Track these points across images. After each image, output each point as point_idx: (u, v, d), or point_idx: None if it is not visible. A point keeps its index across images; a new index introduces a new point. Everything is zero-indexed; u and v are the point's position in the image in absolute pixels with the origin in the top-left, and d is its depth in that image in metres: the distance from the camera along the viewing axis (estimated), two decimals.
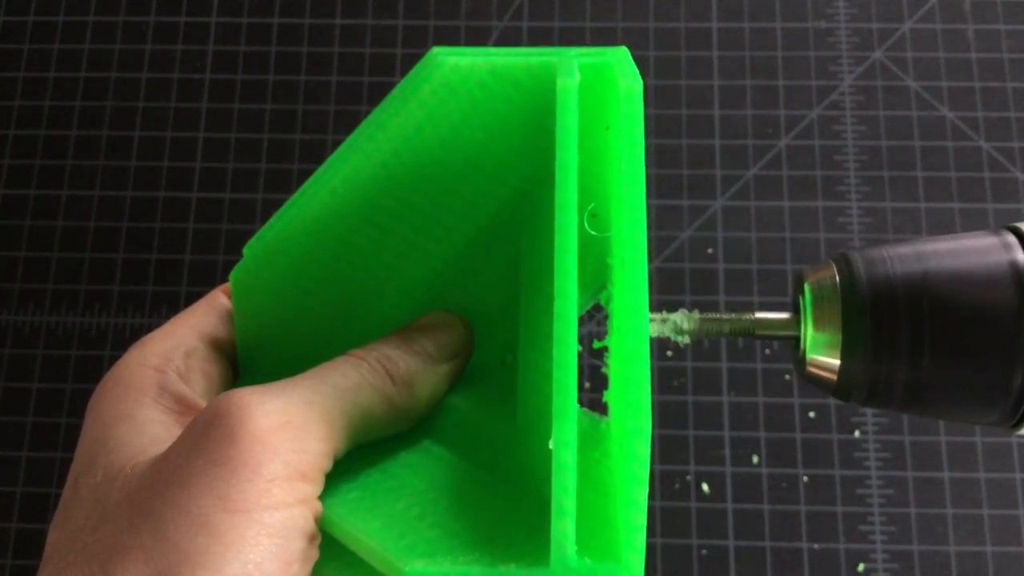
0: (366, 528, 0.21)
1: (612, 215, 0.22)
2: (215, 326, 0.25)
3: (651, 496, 0.41)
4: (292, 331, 0.25)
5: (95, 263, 0.45)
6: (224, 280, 0.25)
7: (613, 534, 0.19)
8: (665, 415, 0.42)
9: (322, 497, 0.21)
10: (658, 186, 0.45)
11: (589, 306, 0.25)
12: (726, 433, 0.42)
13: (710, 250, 0.44)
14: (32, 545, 0.42)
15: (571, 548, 0.18)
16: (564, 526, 0.18)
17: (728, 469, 0.41)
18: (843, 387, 0.23)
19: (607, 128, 0.22)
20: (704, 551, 0.40)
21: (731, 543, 0.40)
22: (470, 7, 0.48)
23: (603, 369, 0.23)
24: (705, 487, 0.41)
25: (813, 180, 0.45)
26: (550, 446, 0.18)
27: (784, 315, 0.25)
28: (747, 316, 0.26)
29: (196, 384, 0.23)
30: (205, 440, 0.19)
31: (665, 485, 0.41)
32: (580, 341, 0.43)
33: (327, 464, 0.21)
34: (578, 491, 0.18)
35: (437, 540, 0.21)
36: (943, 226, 0.44)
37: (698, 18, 0.47)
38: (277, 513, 0.19)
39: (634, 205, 0.20)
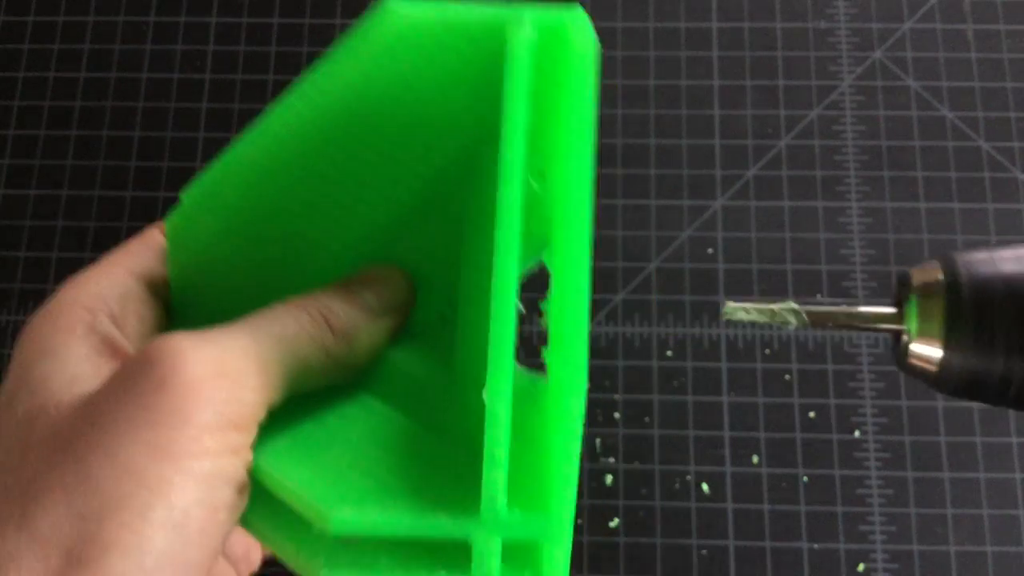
0: (296, 477, 0.20)
1: (558, 176, 0.22)
2: (151, 267, 0.24)
3: (651, 496, 0.41)
4: (228, 278, 0.25)
5: (95, 263, 0.45)
6: None
7: (544, 488, 0.19)
8: (665, 415, 0.42)
9: (254, 446, 0.21)
10: (658, 186, 0.45)
11: (532, 266, 0.25)
12: (726, 433, 0.42)
13: (710, 250, 0.44)
14: None
15: (502, 499, 0.18)
16: (495, 477, 0.18)
17: (728, 469, 0.41)
18: (942, 379, 0.25)
19: (559, 86, 0.22)
20: (704, 551, 0.40)
21: (731, 543, 0.40)
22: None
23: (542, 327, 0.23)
24: (705, 487, 0.41)
25: (813, 180, 0.45)
26: (484, 397, 0.18)
27: (888, 309, 0.26)
28: (852, 309, 0.27)
29: (129, 327, 0.23)
30: (136, 385, 0.19)
31: (665, 485, 0.41)
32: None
33: (261, 414, 0.20)
34: (512, 445, 0.18)
35: (368, 490, 0.21)
36: (943, 226, 0.44)
37: (698, 18, 0.47)
38: (206, 461, 0.19)
39: (578, 161, 0.20)
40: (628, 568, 0.40)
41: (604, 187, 0.45)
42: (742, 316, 0.27)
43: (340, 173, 0.24)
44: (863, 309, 0.27)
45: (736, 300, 0.27)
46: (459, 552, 0.19)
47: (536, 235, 0.23)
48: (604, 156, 0.45)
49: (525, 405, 0.21)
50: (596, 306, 0.44)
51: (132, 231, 0.45)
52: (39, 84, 0.48)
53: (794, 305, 0.26)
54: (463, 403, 0.24)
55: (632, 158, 0.45)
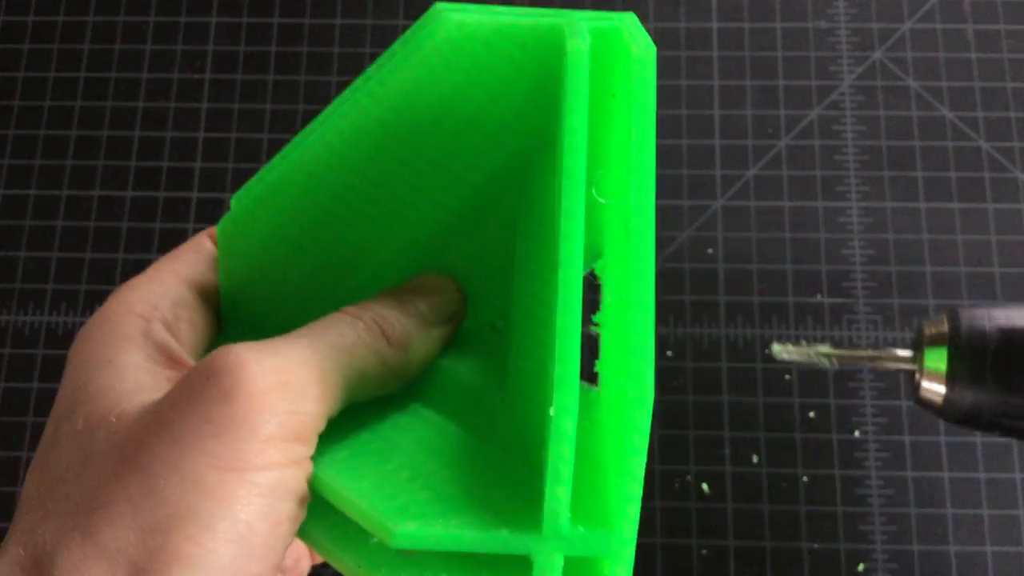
0: (357, 489, 0.20)
1: (617, 183, 0.22)
2: (202, 273, 0.24)
3: (651, 496, 0.41)
4: (279, 286, 0.25)
5: (95, 263, 0.45)
6: None
7: (605, 503, 0.19)
8: (665, 415, 0.42)
9: (313, 457, 0.21)
10: (658, 186, 0.45)
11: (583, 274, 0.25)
12: (726, 433, 0.42)
13: (710, 250, 0.44)
14: None
15: (565, 515, 0.18)
16: (559, 493, 0.18)
17: (728, 469, 0.41)
18: (946, 411, 0.32)
19: (613, 96, 0.22)
20: (704, 551, 0.40)
21: (731, 543, 0.40)
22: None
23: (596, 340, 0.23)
24: (705, 487, 0.41)
25: (813, 180, 0.45)
26: (551, 412, 0.18)
27: (906, 352, 0.33)
28: (876, 352, 0.34)
29: (183, 334, 0.23)
30: (200, 396, 0.19)
31: (665, 485, 0.41)
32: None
33: (321, 425, 0.20)
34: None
35: (428, 503, 0.20)
36: (943, 226, 0.44)
37: (698, 18, 0.47)
38: (270, 474, 0.19)
39: (644, 172, 0.20)
40: None
41: None
42: (785, 356, 0.33)
43: (391, 180, 0.24)
44: (885, 352, 0.33)
45: (780, 342, 0.34)
46: (519, 566, 0.19)
47: (588, 244, 0.23)
48: None
49: (580, 417, 0.22)
50: (596, 306, 0.44)
51: (132, 231, 0.45)
52: (39, 84, 0.48)
53: (827, 349, 0.33)
54: (517, 414, 0.24)
55: None
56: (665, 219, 0.45)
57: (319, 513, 0.21)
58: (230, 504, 0.18)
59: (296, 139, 0.23)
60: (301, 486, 0.20)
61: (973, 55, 0.46)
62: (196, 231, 0.45)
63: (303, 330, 0.22)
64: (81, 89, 0.48)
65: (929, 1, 0.47)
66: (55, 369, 0.44)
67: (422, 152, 0.23)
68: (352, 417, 0.23)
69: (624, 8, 0.48)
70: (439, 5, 0.21)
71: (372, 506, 0.20)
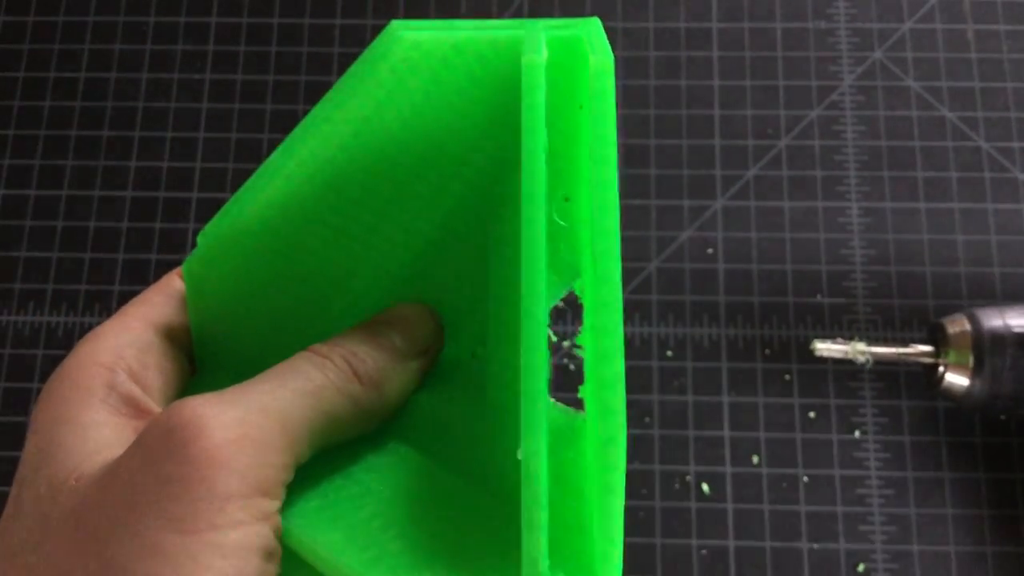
0: (327, 541, 0.20)
1: (584, 201, 0.21)
2: (171, 315, 0.23)
3: (651, 496, 0.41)
4: (251, 323, 0.24)
5: (95, 263, 0.45)
6: None
7: (588, 544, 0.19)
8: (665, 415, 0.42)
9: (282, 508, 0.20)
10: (658, 186, 0.45)
11: (563, 294, 0.24)
12: (726, 433, 0.42)
13: (710, 250, 0.44)
14: None
15: (544, 563, 0.17)
16: (535, 540, 0.17)
17: (728, 469, 0.41)
18: (967, 399, 0.38)
19: (581, 107, 0.21)
20: (704, 551, 0.40)
21: (731, 543, 0.40)
22: (470, 6, 0.48)
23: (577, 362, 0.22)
24: (705, 487, 0.41)
25: (813, 180, 0.45)
26: (519, 456, 0.17)
27: (927, 348, 0.39)
28: (903, 349, 0.39)
29: (151, 383, 0.22)
30: (155, 455, 0.18)
31: (665, 485, 0.41)
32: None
33: (288, 476, 0.20)
34: (551, 496, 0.18)
35: (401, 553, 0.20)
36: (943, 226, 0.44)
37: (698, 18, 0.47)
38: (233, 533, 0.18)
39: (605, 191, 0.19)
40: (628, 568, 0.40)
41: None
42: (826, 353, 0.39)
43: (358, 208, 0.23)
44: (910, 350, 0.39)
45: (822, 341, 0.39)
46: None
47: (566, 263, 0.22)
48: None
49: (563, 447, 0.20)
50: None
51: (132, 231, 0.45)
52: (39, 84, 0.48)
53: (863, 347, 0.39)
54: (496, 449, 0.23)
55: (632, 158, 0.45)
56: (665, 219, 0.45)
57: (293, 566, 0.20)
58: (190, 568, 0.17)
59: (259, 170, 0.22)
60: (269, 542, 0.19)
61: (973, 55, 0.46)
62: (196, 231, 0.45)
63: (266, 375, 0.21)
64: (81, 89, 0.48)
65: (929, 1, 0.47)
66: (55, 369, 0.44)
67: (388, 177, 0.23)
68: (326, 461, 0.22)
69: (625, 9, 0.48)
70: (394, 23, 0.20)
71: (342, 560, 0.19)
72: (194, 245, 0.45)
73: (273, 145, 0.46)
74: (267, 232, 0.23)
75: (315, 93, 0.47)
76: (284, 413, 0.20)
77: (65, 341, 0.44)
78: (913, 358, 0.39)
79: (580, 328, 0.21)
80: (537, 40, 0.19)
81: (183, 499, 0.18)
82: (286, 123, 0.47)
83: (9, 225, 0.46)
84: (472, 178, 0.23)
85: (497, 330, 0.24)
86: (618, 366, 0.18)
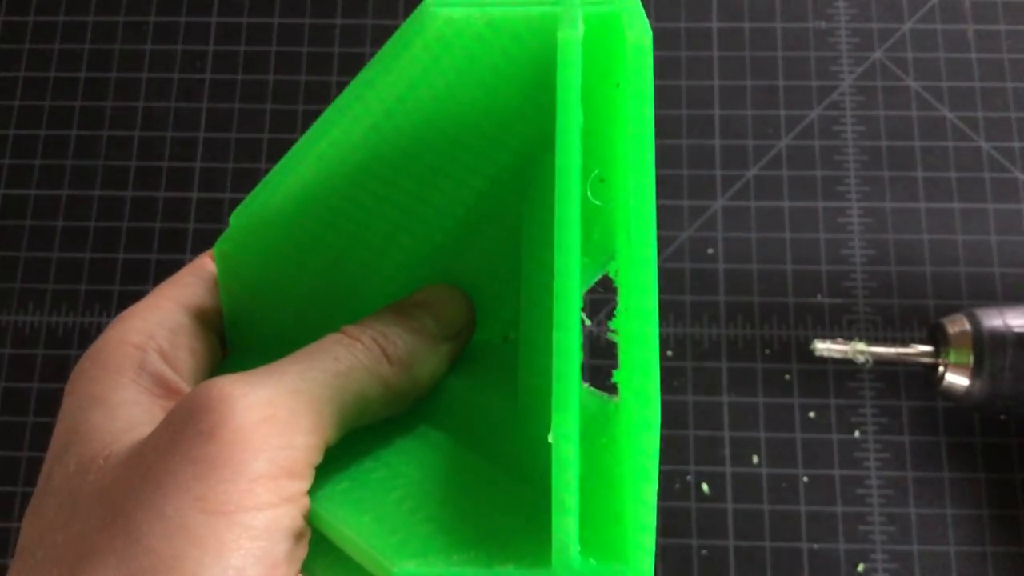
0: (355, 524, 0.19)
1: (619, 182, 0.20)
2: (202, 297, 0.23)
3: None
4: (283, 305, 0.24)
5: (95, 263, 0.45)
6: None
7: (620, 531, 0.18)
8: (665, 415, 0.42)
9: (311, 490, 0.19)
10: (658, 186, 0.45)
11: (598, 277, 0.23)
12: (726, 433, 0.42)
13: (710, 250, 0.44)
14: None
15: (574, 548, 0.17)
16: (566, 525, 0.17)
17: (728, 469, 0.41)
18: (967, 398, 0.38)
19: (617, 86, 0.20)
20: (704, 551, 0.40)
21: (731, 543, 0.40)
22: None
23: (613, 348, 0.22)
24: (705, 487, 0.41)
25: (813, 180, 0.45)
26: (550, 439, 0.17)
27: (927, 348, 0.39)
28: (903, 350, 0.39)
29: (182, 363, 0.22)
30: (183, 436, 0.18)
31: (665, 485, 0.41)
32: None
33: (316, 457, 0.19)
34: (583, 482, 0.17)
35: (431, 537, 0.19)
36: (943, 226, 0.44)
37: (698, 18, 0.47)
38: (260, 514, 0.18)
39: (642, 171, 0.18)
40: None
41: None
42: (826, 353, 0.39)
43: (390, 188, 0.23)
44: (910, 350, 0.39)
45: (822, 341, 0.39)
46: None
47: (600, 245, 0.22)
48: None
49: (596, 433, 0.20)
50: (596, 306, 0.44)
51: (132, 231, 0.45)
52: (39, 84, 0.48)
53: (863, 347, 0.39)
54: (528, 432, 0.23)
55: None
56: (665, 219, 0.45)
57: (322, 550, 0.20)
58: (218, 549, 0.17)
59: (291, 150, 0.22)
60: (297, 524, 0.19)
61: (973, 55, 0.46)
62: (196, 231, 0.45)
63: (295, 356, 0.21)
64: (81, 89, 0.48)
65: (929, 1, 0.47)
66: (55, 369, 0.44)
67: (421, 158, 0.22)
68: (355, 443, 0.22)
69: None
70: (427, 1, 0.20)
71: (370, 543, 0.19)
72: (195, 244, 0.45)
73: (273, 145, 0.46)
74: (299, 213, 0.22)
75: (315, 93, 0.47)
76: (313, 394, 0.19)
77: (65, 341, 0.44)
78: (913, 358, 0.39)
79: (615, 312, 0.21)
80: (573, 16, 0.19)
81: (210, 479, 0.17)
82: (286, 123, 0.47)
83: (9, 225, 0.46)
84: (505, 159, 0.23)
85: (529, 313, 0.24)
86: (652, 351, 0.18)
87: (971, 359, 0.37)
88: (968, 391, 0.38)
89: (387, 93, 0.21)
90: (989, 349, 0.37)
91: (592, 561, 0.17)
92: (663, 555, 0.40)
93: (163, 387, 0.21)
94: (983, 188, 0.44)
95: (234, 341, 0.24)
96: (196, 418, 0.18)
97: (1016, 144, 0.45)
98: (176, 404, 0.19)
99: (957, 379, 0.38)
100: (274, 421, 0.18)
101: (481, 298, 0.25)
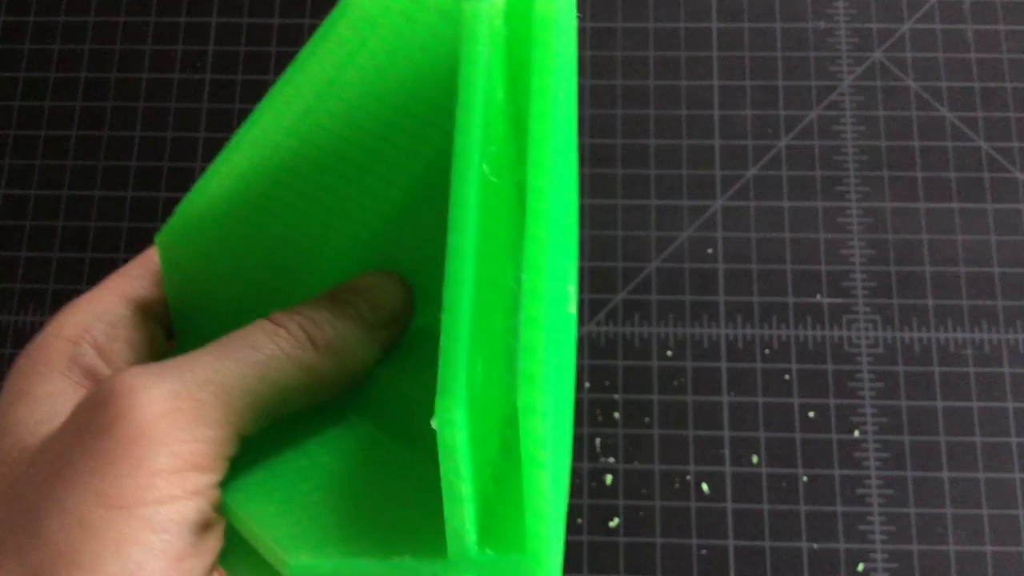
0: (261, 515, 0.19)
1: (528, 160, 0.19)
2: (147, 288, 0.23)
3: (651, 496, 0.41)
4: (226, 293, 0.23)
5: (95, 263, 0.45)
6: None
7: (520, 520, 0.17)
8: (665, 415, 0.42)
9: (226, 481, 0.19)
10: (658, 186, 0.45)
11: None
12: (726, 433, 0.42)
13: (710, 250, 0.44)
14: None
15: (470, 537, 0.16)
16: (460, 513, 0.16)
17: (728, 469, 0.41)
18: None
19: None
20: (704, 551, 0.40)
21: (731, 543, 0.40)
22: None
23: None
24: (705, 487, 0.41)
25: (813, 180, 0.45)
26: (432, 424, 0.16)
27: None
28: None
29: (117, 356, 0.21)
30: (86, 429, 0.18)
31: (665, 485, 0.41)
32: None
33: (228, 449, 0.19)
34: (496, 468, 0.17)
35: (333, 527, 0.19)
36: (943, 226, 0.44)
37: (698, 18, 0.47)
38: (163, 508, 0.17)
39: (538, 146, 0.17)
40: (628, 568, 0.40)
41: (604, 187, 0.45)
42: None
43: (326, 174, 0.22)
44: None
45: None
46: None
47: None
48: (604, 156, 0.45)
49: (505, 417, 0.19)
50: (596, 306, 0.44)
51: (132, 231, 0.45)
52: (39, 84, 0.48)
53: None
54: None
55: (632, 158, 0.45)
56: (665, 219, 0.45)
57: (238, 541, 0.20)
58: (118, 543, 0.17)
59: (228, 143, 0.22)
60: (204, 516, 0.18)
61: (973, 55, 0.46)
62: None
63: (212, 345, 0.20)
64: (81, 89, 0.48)
65: (929, 1, 0.47)
66: None
67: (355, 141, 0.22)
68: (283, 431, 0.21)
69: (625, 9, 0.48)
70: None
71: (271, 534, 0.18)
72: None
73: None
74: (236, 202, 0.22)
75: None
76: (225, 385, 0.19)
77: None
78: None
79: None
80: None
81: (108, 474, 0.17)
82: None
83: (9, 225, 0.46)
84: (439, 140, 0.23)
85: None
86: (540, 329, 0.16)
87: None
88: None
89: (316, 76, 0.20)
90: None
91: (490, 551, 0.16)
92: (663, 555, 0.40)
93: (93, 380, 0.21)
94: (983, 188, 0.44)
95: (182, 331, 0.24)
96: (98, 412, 0.18)
97: (1016, 144, 0.45)
98: (83, 397, 0.19)
99: None
100: (178, 414, 0.18)
101: (422, 283, 0.24)
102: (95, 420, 0.18)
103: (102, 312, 0.22)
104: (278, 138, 0.21)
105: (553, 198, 0.17)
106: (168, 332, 0.24)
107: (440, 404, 0.16)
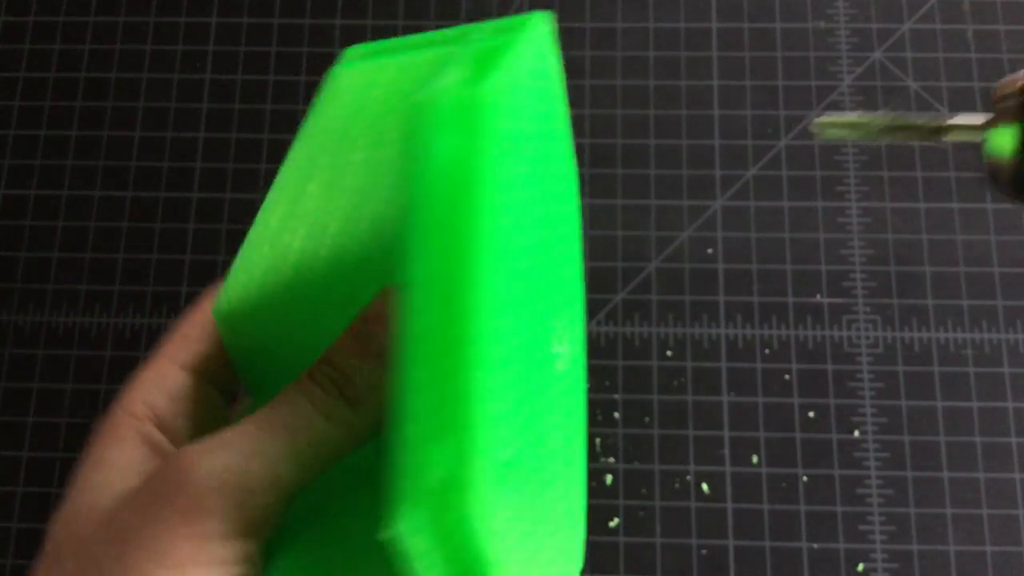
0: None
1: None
2: (205, 351, 0.25)
3: (651, 496, 0.41)
4: (286, 346, 0.24)
5: (95, 263, 0.45)
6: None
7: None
8: (665, 415, 0.42)
9: (272, 543, 0.21)
10: (658, 186, 0.45)
11: None
12: (726, 433, 0.42)
13: (710, 250, 0.44)
14: (32, 545, 0.42)
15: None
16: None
17: (728, 469, 0.41)
18: (1018, 177, 0.24)
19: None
20: (704, 551, 0.40)
21: (731, 543, 0.40)
22: (470, 7, 0.48)
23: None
24: (705, 487, 0.41)
25: (813, 180, 0.45)
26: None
27: (979, 116, 0.24)
28: (940, 120, 0.25)
29: (180, 430, 0.24)
30: (149, 501, 0.21)
31: (665, 485, 0.41)
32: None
33: (271, 516, 0.21)
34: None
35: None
36: (943, 226, 0.44)
37: (698, 18, 0.47)
38: (213, 569, 0.20)
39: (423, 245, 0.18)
40: (628, 568, 0.40)
41: (604, 187, 0.45)
42: (829, 133, 0.26)
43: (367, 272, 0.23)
44: (953, 119, 0.26)
45: (826, 115, 0.27)
46: None
47: None
48: (604, 156, 0.45)
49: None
50: (596, 306, 0.44)
51: (132, 231, 0.45)
52: (39, 84, 0.48)
53: (883, 119, 0.26)
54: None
55: (632, 158, 0.45)
56: (665, 219, 0.45)
57: None
58: None
59: (273, 209, 0.22)
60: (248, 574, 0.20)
61: (973, 55, 0.46)
62: (196, 231, 0.45)
63: (258, 414, 0.22)
64: (81, 89, 0.48)
65: (929, 1, 0.47)
66: (55, 369, 0.44)
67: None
68: (326, 484, 0.22)
69: (625, 9, 0.48)
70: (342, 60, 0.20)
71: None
72: (195, 244, 0.45)
73: (273, 145, 0.46)
74: (291, 279, 0.23)
75: (315, 93, 0.47)
76: (270, 455, 0.21)
77: (65, 341, 0.44)
78: (951, 134, 0.25)
79: None
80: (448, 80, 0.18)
81: (167, 540, 0.20)
82: (286, 123, 0.47)
83: (9, 225, 0.46)
84: None
85: None
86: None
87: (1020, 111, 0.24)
88: (1017, 167, 0.24)
89: (374, 178, 0.22)
90: None
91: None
92: (663, 555, 0.40)
93: (158, 452, 0.23)
94: (982, 188, 0.44)
95: (252, 384, 0.25)
96: (160, 486, 0.21)
97: None
98: (148, 473, 0.22)
99: (1000, 151, 0.24)
100: (227, 488, 0.20)
101: None
102: (158, 493, 0.21)
103: (164, 386, 0.24)
104: (334, 225, 0.22)
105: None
106: (226, 391, 0.26)
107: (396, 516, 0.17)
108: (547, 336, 0.22)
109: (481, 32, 0.20)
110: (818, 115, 0.25)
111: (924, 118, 0.25)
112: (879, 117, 0.25)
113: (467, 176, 0.18)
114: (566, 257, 0.25)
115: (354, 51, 0.21)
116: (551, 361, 0.23)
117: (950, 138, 0.26)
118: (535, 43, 0.21)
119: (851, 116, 0.26)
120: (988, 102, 0.25)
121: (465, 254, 0.17)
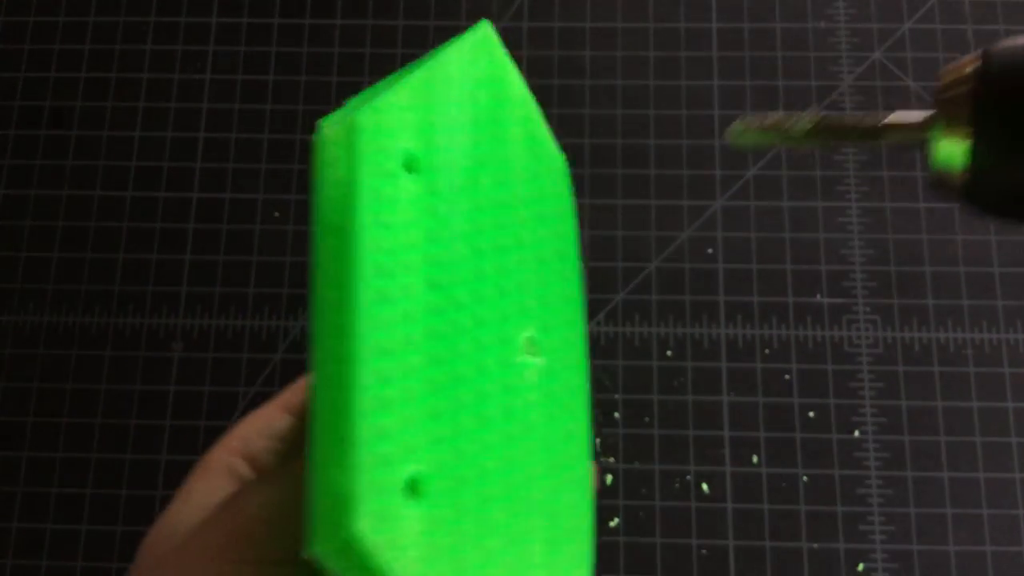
0: None
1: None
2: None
3: (651, 496, 0.41)
4: None
5: (95, 263, 0.45)
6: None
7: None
8: (665, 415, 0.42)
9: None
10: (658, 186, 0.45)
11: None
12: (726, 433, 0.42)
13: (710, 250, 0.44)
14: (32, 545, 0.42)
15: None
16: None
17: (728, 469, 0.41)
18: (973, 188, 0.21)
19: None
20: (704, 551, 0.40)
21: (731, 543, 0.40)
22: (470, 8, 0.48)
23: None
24: (705, 487, 0.41)
25: (813, 180, 0.45)
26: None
27: (920, 115, 0.21)
28: (876, 119, 0.22)
29: (267, 464, 0.26)
30: (212, 527, 0.22)
31: (665, 485, 0.41)
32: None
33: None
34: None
35: None
36: (943, 226, 0.44)
37: (698, 18, 0.47)
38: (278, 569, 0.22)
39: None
40: (628, 568, 0.40)
41: (604, 187, 0.45)
42: (748, 140, 0.23)
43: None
44: (890, 119, 0.22)
45: (746, 117, 0.23)
46: None
47: None
48: (604, 156, 0.45)
49: None
50: (596, 306, 0.44)
51: (132, 231, 0.45)
52: (39, 84, 0.48)
53: (807, 121, 0.22)
54: None
55: (632, 158, 0.45)
56: (665, 219, 0.45)
57: None
58: None
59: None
60: None
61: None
62: (196, 231, 0.45)
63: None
64: (81, 89, 0.48)
65: (929, 1, 0.47)
66: (55, 369, 0.44)
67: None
68: None
69: (625, 9, 0.48)
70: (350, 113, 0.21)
71: None
72: (195, 244, 0.45)
73: (273, 145, 0.46)
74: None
75: (315, 93, 0.47)
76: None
77: (65, 341, 0.44)
78: (888, 136, 0.22)
79: None
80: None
81: (223, 561, 0.22)
82: (286, 123, 0.47)
83: (9, 225, 0.46)
84: None
85: None
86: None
87: (970, 113, 0.20)
88: (974, 174, 0.21)
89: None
90: (1007, 100, 0.20)
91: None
92: (663, 555, 0.40)
93: (238, 484, 0.25)
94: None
95: None
96: (222, 513, 0.23)
97: None
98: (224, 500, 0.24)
99: (953, 151, 0.21)
100: (275, 517, 0.22)
101: None
102: (220, 519, 0.22)
103: (263, 426, 0.26)
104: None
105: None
106: None
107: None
108: (501, 348, 0.22)
109: (424, 57, 0.21)
110: (743, 119, 0.21)
111: (855, 118, 0.22)
112: (803, 119, 0.22)
113: (346, 203, 0.19)
114: (539, 264, 0.25)
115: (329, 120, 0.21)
116: (509, 373, 0.23)
117: (888, 140, 0.22)
118: (468, 54, 0.22)
119: (772, 117, 0.22)
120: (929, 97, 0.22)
121: (347, 278, 0.19)
